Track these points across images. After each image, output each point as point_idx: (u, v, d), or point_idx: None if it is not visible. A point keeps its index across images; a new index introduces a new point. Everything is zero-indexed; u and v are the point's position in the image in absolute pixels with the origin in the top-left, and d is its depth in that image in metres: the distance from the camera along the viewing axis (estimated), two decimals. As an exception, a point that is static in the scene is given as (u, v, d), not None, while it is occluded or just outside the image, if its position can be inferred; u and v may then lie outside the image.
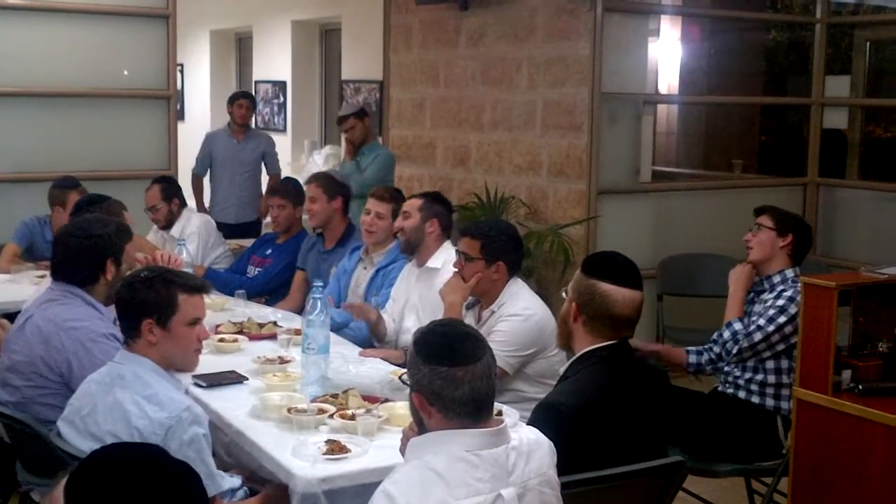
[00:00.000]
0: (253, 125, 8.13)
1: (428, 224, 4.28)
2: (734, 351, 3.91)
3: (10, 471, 3.27)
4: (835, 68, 7.64)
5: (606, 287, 2.85)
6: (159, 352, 2.85)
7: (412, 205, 4.35)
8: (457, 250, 3.87)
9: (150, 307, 2.84)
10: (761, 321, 3.89)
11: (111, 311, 3.20)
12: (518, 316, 3.66)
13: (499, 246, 3.74)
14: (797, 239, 4.03)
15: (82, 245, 3.45)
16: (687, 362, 4.14)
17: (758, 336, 3.87)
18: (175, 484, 1.72)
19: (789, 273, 3.99)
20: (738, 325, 3.95)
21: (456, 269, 3.81)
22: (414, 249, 4.32)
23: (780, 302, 3.89)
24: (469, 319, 3.84)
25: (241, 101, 7.63)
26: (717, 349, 4.13)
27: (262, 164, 7.78)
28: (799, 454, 3.60)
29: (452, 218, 4.47)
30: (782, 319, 3.85)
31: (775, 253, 4.01)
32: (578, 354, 2.90)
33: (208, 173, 7.64)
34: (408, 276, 4.41)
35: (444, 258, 4.22)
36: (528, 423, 2.69)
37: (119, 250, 3.49)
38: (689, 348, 4.18)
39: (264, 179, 7.79)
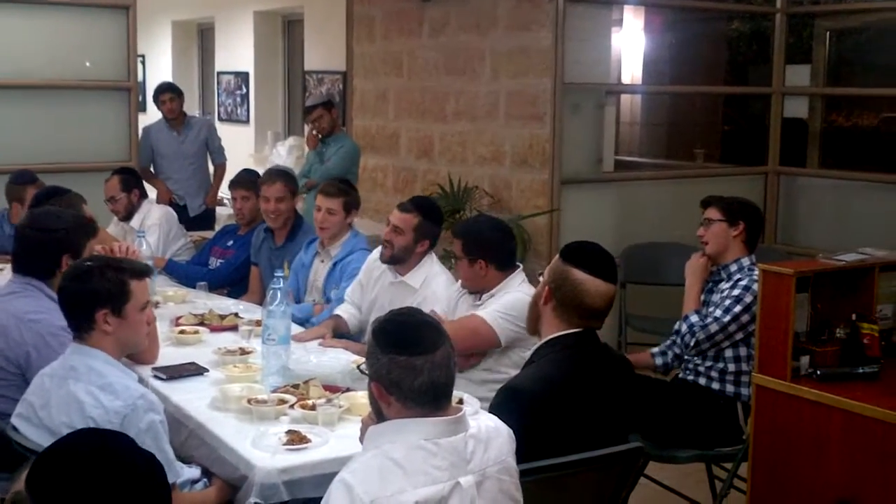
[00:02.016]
0: (189, 112, 7.97)
1: (419, 244, 4.12)
2: (692, 343, 3.94)
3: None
4: (795, 58, 7.70)
5: (580, 275, 2.87)
6: (114, 341, 2.82)
7: (406, 222, 4.09)
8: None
9: (104, 297, 2.81)
10: (717, 312, 3.91)
11: None
12: (521, 292, 3.63)
13: (478, 244, 3.73)
14: (749, 225, 4.06)
15: (38, 239, 3.43)
16: (654, 365, 4.17)
17: (714, 327, 3.90)
18: (135, 469, 1.70)
19: (745, 261, 4.02)
20: (694, 318, 3.97)
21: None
22: (397, 264, 4.16)
23: (736, 292, 3.91)
24: (465, 304, 3.85)
25: (163, 98, 7.48)
26: (676, 349, 4.17)
27: (207, 153, 7.67)
28: (758, 439, 3.63)
29: (441, 230, 4.31)
30: (738, 309, 3.88)
31: (729, 243, 4.04)
32: (545, 340, 2.92)
33: (152, 167, 7.44)
34: (380, 271, 4.28)
35: (424, 276, 4.13)
36: (490, 406, 2.70)
37: (77, 245, 3.46)
38: (654, 350, 4.21)
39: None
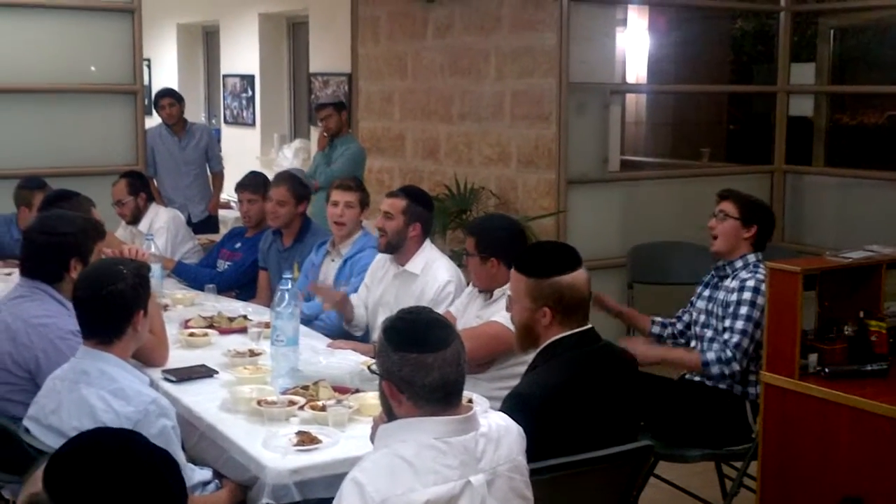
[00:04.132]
0: (195, 115, 7.99)
1: (411, 228, 4.20)
2: (737, 370, 3.85)
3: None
4: (800, 56, 7.70)
5: (569, 279, 2.88)
6: (139, 341, 2.87)
7: (395, 206, 4.22)
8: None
9: (143, 300, 2.86)
10: (738, 324, 3.85)
11: None
12: None
13: (492, 242, 3.74)
14: (761, 228, 4.05)
15: (47, 243, 3.43)
16: (650, 332, 4.24)
17: (745, 342, 3.85)
18: (153, 467, 1.70)
19: (751, 258, 4.01)
20: (711, 355, 3.87)
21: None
22: (395, 251, 4.25)
23: (747, 295, 3.88)
24: (477, 302, 3.85)
25: (163, 103, 7.51)
26: (679, 326, 4.24)
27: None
28: (767, 438, 3.64)
29: (433, 217, 4.42)
30: (756, 315, 3.85)
31: (739, 242, 4.03)
32: (546, 344, 2.91)
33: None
34: (384, 269, 4.37)
35: (424, 262, 4.21)
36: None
37: (85, 249, 3.44)
38: (655, 318, 4.28)
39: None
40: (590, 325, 2.92)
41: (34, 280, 3.42)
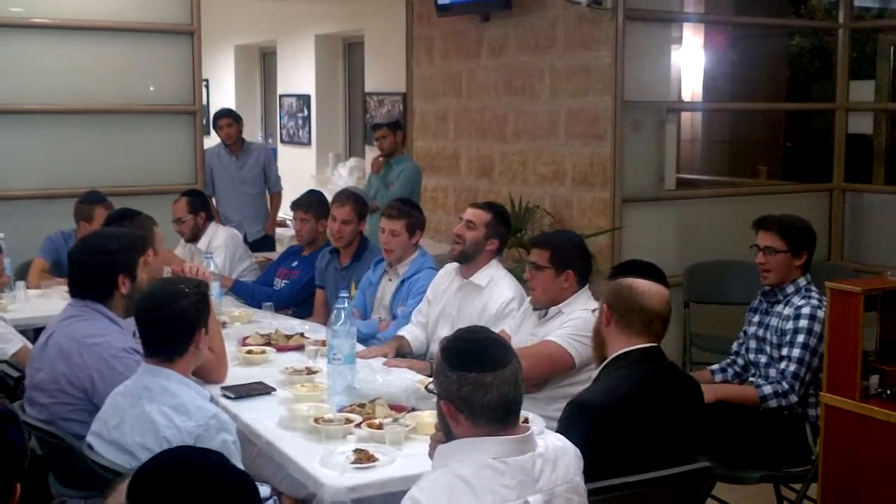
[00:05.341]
0: (252, 135, 8.06)
1: (489, 242, 4.26)
2: (795, 401, 3.80)
3: (44, 483, 3.30)
4: (859, 73, 7.61)
5: (632, 281, 2.94)
6: (200, 358, 2.92)
7: (480, 218, 4.28)
8: (527, 261, 3.88)
9: (204, 318, 2.93)
10: (795, 352, 3.81)
11: (130, 323, 3.16)
12: (592, 311, 3.62)
13: (567, 255, 3.76)
14: (810, 252, 4.00)
15: (93, 262, 3.42)
16: (713, 382, 4.14)
17: (802, 371, 3.80)
18: (235, 491, 1.71)
19: (801, 282, 3.97)
20: (768, 389, 3.82)
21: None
22: (467, 261, 4.29)
23: (804, 323, 3.83)
24: (531, 320, 3.86)
25: (221, 123, 7.61)
26: (741, 361, 4.15)
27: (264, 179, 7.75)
28: (827, 460, 3.59)
29: (507, 238, 4.48)
30: (813, 342, 3.81)
31: (791, 272, 3.97)
32: (611, 357, 2.94)
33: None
34: (448, 282, 4.40)
35: (490, 276, 4.25)
36: (559, 420, 2.72)
37: (132, 263, 3.44)
38: (713, 367, 4.21)
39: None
40: (656, 344, 2.92)
41: (84, 300, 3.42)
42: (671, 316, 2.99)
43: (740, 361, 4.16)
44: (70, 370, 3.29)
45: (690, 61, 9.29)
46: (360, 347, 3.97)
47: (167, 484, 1.68)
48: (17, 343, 3.95)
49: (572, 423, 2.46)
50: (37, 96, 6.23)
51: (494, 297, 4.18)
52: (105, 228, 3.99)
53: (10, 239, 5.19)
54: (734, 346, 4.20)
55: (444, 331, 4.20)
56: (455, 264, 4.39)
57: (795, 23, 9.13)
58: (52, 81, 6.25)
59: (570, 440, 2.40)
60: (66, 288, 5.17)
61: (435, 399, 2.30)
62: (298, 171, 10.70)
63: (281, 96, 11.86)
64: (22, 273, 5.46)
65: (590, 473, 2.40)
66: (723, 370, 4.19)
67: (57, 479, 3.28)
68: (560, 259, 3.74)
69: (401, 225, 4.63)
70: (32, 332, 4.38)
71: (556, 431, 2.71)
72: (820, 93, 8.96)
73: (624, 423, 2.73)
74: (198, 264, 4.54)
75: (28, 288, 5.24)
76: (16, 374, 3.75)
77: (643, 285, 2.93)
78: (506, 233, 4.38)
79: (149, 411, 2.77)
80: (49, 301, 5.04)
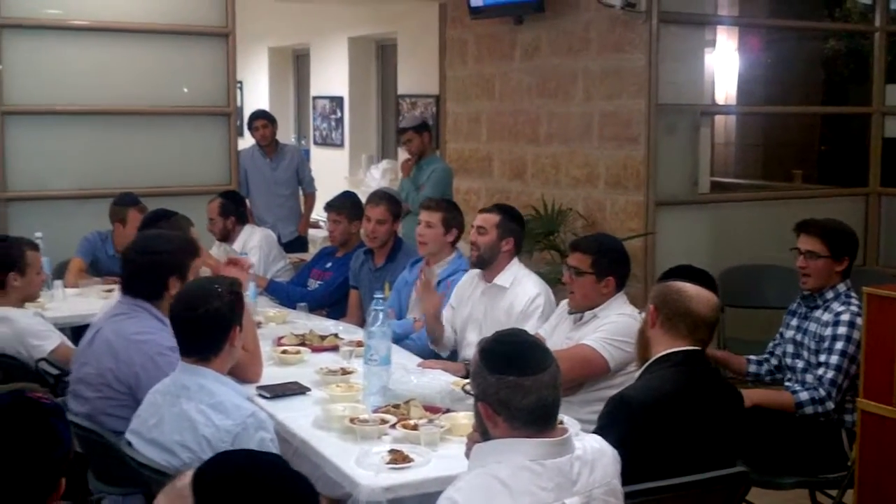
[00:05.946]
0: (285, 136, 8.09)
1: (504, 242, 4.27)
2: (832, 408, 3.76)
3: (83, 480, 3.34)
4: (895, 76, 7.54)
5: (681, 284, 2.96)
6: (236, 355, 2.94)
7: (489, 221, 4.30)
8: (566, 264, 3.87)
9: (238, 315, 2.95)
10: (833, 359, 3.76)
11: None
12: (627, 315, 3.68)
13: (609, 261, 3.75)
14: (852, 258, 3.97)
15: (146, 262, 3.50)
16: (747, 371, 4.15)
17: (840, 378, 3.76)
18: (300, 494, 1.67)
19: (841, 287, 3.92)
20: (804, 395, 3.78)
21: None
22: (486, 265, 4.30)
23: (842, 330, 3.78)
24: (566, 323, 3.87)
25: (257, 124, 7.64)
26: (774, 361, 4.14)
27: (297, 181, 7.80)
28: (864, 466, 3.57)
29: (524, 233, 4.49)
30: (851, 349, 3.76)
31: (831, 277, 3.92)
32: (654, 358, 2.95)
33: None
34: (472, 287, 4.41)
35: (513, 276, 4.26)
36: (600, 415, 2.74)
37: (183, 266, 3.52)
38: (750, 357, 4.18)
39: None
40: (699, 348, 2.92)
41: (135, 298, 3.49)
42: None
43: (774, 361, 4.15)
44: (117, 366, 3.35)
45: (724, 64, 9.24)
46: (393, 348, 3.98)
47: (235, 482, 1.63)
48: (55, 340, 4.00)
49: (614, 418, 2.47)
50: (73, 97, 6.29)
51: (520, 295, 4.19)
52: (160, 230, 4.03)
53: (47, 238, 5.25)
54: (769, 346, 4.18)
55: (473, 336, 4.20)
56: (477, 270, 4.39)
57: (831, 26, 9.05)
58: (89, 83, 6.32)
59: (609, 434, 2.41)
60: (103, 287, 5.31)
61: (470, 400, 2.31)
62: (331, 172, 10.75)
63: (314, 98, 11.92)
64: (59, 272, 5.52)
65: (627, 470, 2.40)
66: (759, 363, 4.16)
67: (95, 476, 3.32)
68: (602, 265, 3.73)
69: (437, 217, 4.65)
70: (70, 331, 4.42)
71: (597, 425, 2.72)
72: (855, 96, 8.89)
73: (664, 421, 2.74)
74: (244, 257, 4.62)
75: (65, 287, 5.29)
76: (55, 371, 3.80)
77: (691, 290, 2.93)
78: (519, 229, 4.38)
79: (187, 410, 2.79)
80: (86, 300, 5.11)
